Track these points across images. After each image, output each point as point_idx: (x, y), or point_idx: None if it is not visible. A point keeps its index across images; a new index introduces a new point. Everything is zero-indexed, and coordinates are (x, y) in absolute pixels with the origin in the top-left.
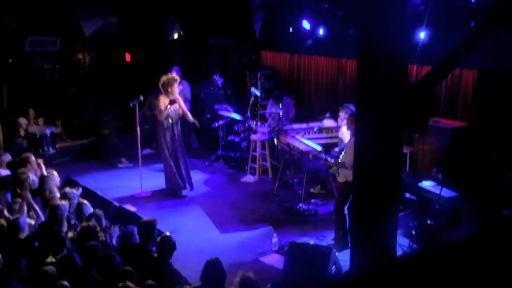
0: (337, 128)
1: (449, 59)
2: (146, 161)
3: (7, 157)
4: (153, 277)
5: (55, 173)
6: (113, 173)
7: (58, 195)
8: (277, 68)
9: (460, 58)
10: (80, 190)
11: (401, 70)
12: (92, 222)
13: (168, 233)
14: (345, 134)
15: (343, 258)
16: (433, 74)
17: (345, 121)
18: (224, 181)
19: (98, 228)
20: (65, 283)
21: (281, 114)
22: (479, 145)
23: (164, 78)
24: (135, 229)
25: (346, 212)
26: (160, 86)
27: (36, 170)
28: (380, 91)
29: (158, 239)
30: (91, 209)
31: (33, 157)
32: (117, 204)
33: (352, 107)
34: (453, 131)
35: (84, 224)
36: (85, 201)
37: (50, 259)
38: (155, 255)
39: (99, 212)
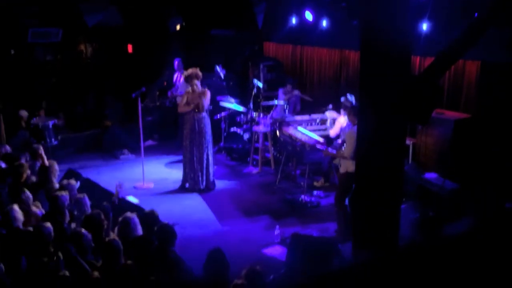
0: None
1: (453, 50)
2: (148, 152)
3: (8, 149)
4: (158, 266)
5: (55, 164)
6: (115, 164)
7: (56, 186)
8: (280, 60)
9: (463, 49)
10: (78, 183)
11: (404, 61)
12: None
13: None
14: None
15: (346, 249)
16: (436, 66)
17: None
18: (226, 173)
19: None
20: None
21: (287, 106)
22: (482, 136)
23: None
24: (133, 220)
25: (347, 203)
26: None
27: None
28: (383, 82)
29: (156, 228)
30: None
31: (41, 149)
32: (120, 196)
33: (352, 98)
34: (456, 123)
35: (88, 213)
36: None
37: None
38: (156, 244)
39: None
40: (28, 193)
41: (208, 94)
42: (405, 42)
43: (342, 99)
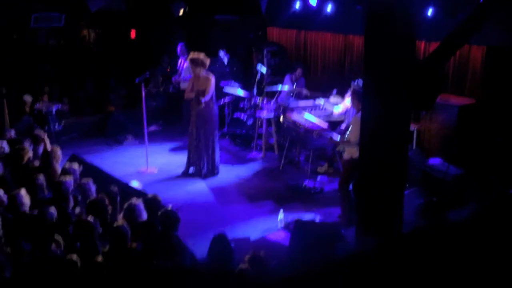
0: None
1: (458, 35)
2: (152, 138)
3: (13, 134)
4: (160, 251)
5: (59, 150)
6: (119, 150)
7: (59, 171)
8: (284, 45)
9: (469, 34)
10: (81, 167)
11: (409, 46)
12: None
13: (170, 206)
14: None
15: (349, 235)
16: (442, 51)
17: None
18: (230, 158)
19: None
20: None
21: (293, 92)
22: (487, 122)
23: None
24: (138, 205)
25: (351, 189)
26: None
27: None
28: (387, 67)
29: (159, 213)
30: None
31: (42, 133)
32: (123, 181)
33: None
34: (461, 108)
35: (92, 198)
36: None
37: (58, 237)
38: (160, 229)
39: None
40: (42, 179)
41: (212, 80)
42: (410, 27)
43: (353, 83)
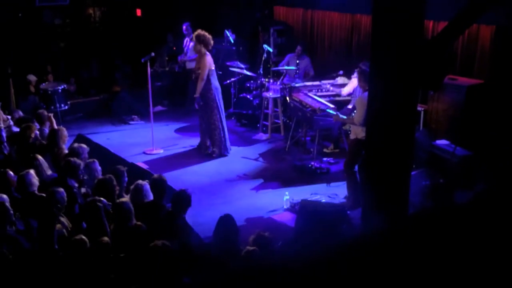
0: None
1: (467, 15)
2: (157, 118)
3: (20, 114)
4: (166, 231)
5: (65, 130)
6: (124, 130)
7: (65, 151)
8: (290, 24)
9: (477, 13)
10: (88, 148)
11: (416, 25)
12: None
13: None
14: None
15: (355, 216)
16: (450, 30)
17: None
18: (236, 139)
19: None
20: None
21: (297, 71)
22: (495, 103)
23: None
24: (145, 186)
25: (356, 169)
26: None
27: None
28: (395, 47)
29: (175, 193)
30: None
31: (46, 113)
32: (129, 161)
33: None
34: (469, 89)
35: (100, 177)
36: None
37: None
38: (170, 210)
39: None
40: (41, 159)
41: (206, 58)
42: (418, 6)
43: (362, 64)
